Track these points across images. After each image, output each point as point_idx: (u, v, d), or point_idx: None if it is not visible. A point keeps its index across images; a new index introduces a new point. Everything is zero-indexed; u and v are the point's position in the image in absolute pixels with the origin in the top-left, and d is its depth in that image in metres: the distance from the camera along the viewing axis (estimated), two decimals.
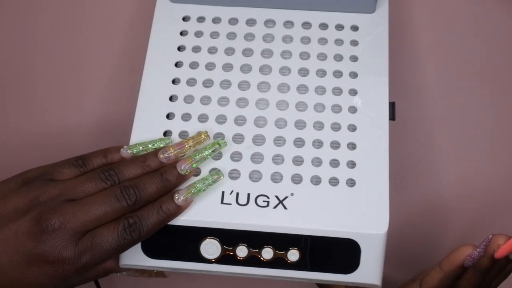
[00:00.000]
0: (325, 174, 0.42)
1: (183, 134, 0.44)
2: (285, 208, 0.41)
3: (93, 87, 0.56)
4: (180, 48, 0.48)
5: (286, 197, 0.41)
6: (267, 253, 0.41)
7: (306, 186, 0.42)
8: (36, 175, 0.39)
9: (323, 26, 0.48)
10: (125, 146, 0.42)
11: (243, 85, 0.46)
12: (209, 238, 0.41)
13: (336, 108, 0.45)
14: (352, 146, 0.43)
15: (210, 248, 0.41)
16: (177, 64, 0.47)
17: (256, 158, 0.43)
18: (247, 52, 0.47)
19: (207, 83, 0.46)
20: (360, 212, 0.41)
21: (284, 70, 0.46)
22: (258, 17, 0.48)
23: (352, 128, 0.44)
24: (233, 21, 0.49)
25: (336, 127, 0.44)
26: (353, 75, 0.46)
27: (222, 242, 0.41)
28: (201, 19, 0.49)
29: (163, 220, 0.39)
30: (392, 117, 0.45)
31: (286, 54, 0.47)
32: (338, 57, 0.47)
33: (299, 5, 0.48)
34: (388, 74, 0.46)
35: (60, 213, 0.37)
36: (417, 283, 0.44)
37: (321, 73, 0.46)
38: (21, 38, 0.58)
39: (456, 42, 0.57)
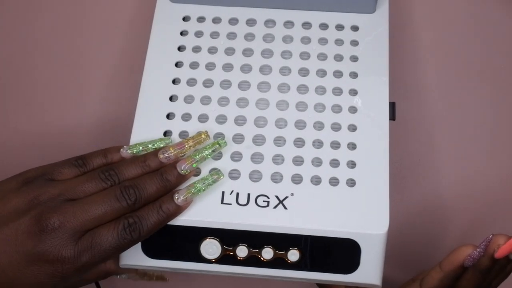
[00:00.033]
0: (325, 174, 0.42)
1: (183, 134, 0.44)
2: (285, 208, 0.41)
3: (93, 87, 0.56)
4: (180, 48, 0.48)
5: (286, 197, 0.41)
6: (267, 253, 0.41)
7: (306, 186, 0.42)
8: (36, 175, 0.39)
9: (323, 26, 0.48)
10: (125, 146, 0.42)
11: (243, 85, 0.46)
12: (209, 238, 0.41)
13: (336, 108, 0.45)
14: (352, 146, 0.43)
15: (210, 248, 0.41)
16: (177, 64, 0.47)
17: (256, 158, 0.43)
18: (247, 52, 0.47)
19: (207, 83, 0.46)
20: (360, 212, 0.41)
21: (284, 70, 0.46)
22: (258, 17, 0.48)
23: (352, 128, 0.44)
24: (233, 21, 0.49)
25: (336, 127, 0.44)
26: (353, 75, 0.46)
27: (222, 242, 0.41)
28: (201, 19, 0.49)
29: (163, 220, 0.39)
30: (392, 117, 0.45)
31: (286, 54, 0.47)
32: (338, 57, 0.47)
33: (299, 5, 0.48)
34: (388, 74, 0.46)
35: (60, 212, 0.37)
36: (417, 283, 0.44)
37: (321, 73, 0.46)
38: (21, 38, 0.58)
39: (456, 42, 0.57)
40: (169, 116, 0.45)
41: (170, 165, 0.41)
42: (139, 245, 0.41)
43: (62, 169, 0.40)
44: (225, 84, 0.46)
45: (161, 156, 0.41)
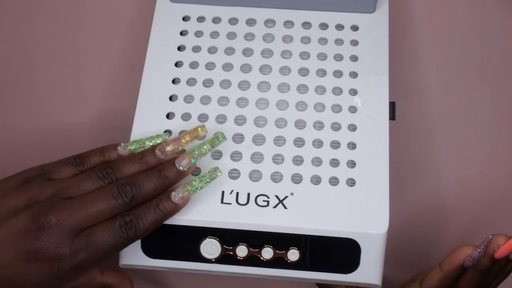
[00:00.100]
0: (325, 173, 0.42)
1: None
2: (285, 207, 0.41)
3: (93, 87, 0.56)
4: (180, 48, 0.48)
5: (286, 197, 0.41)
6: (267, 252, 0.41)
7: (306, 185, 0.42)
8: (35, 174, 0.39)
9: (323, 26, 0.48)
10: (122, 144, 0.41)
11: (243, 85, 0.46)
12: (209, 238, 0.41)
13: (336, 108, 0.45)
14: (352, 146, 0.43)
15: (210, 248, 0.41)
16: (177, 64, 0.47)
17: (256, 157, 0.43)
18: (247, 52, 0.47)
19: (207, 83, 0.46)
20: (360, 212, 0.41)
21: (284, 70, 0.46)
22: (258, 17, 0.48)
23: (352, 128, 0.44)
24: (233, 21, 0.49)
25: (336, 127, 0.44)
26: (353, 75, 0.46)
27: (222, 242, 0.41)
28: (201, 19, 0.49)
29: (160, 218, 0.39)
30: (392, 117, 0.45)
31: (286, 54, 0.47)
32: (338, 57, 0.47)
33: (299, 5, 0.48)
34: (388, 74, 0.46)
35: (56, 210, 0.37)
36: (417, 283, 0.44)
37: (321, 73, 0.46)
38: (21, 38, 0.58)
39: (456, 42, 0.57)
40: (169, 115, 0.45)
41: (168, 162, 0.40)
42: (139, 245, 0.41)
43: (60, 168, 0.40)
44: (225, 84, 0.46)
45: (158, 152, 0.40)
